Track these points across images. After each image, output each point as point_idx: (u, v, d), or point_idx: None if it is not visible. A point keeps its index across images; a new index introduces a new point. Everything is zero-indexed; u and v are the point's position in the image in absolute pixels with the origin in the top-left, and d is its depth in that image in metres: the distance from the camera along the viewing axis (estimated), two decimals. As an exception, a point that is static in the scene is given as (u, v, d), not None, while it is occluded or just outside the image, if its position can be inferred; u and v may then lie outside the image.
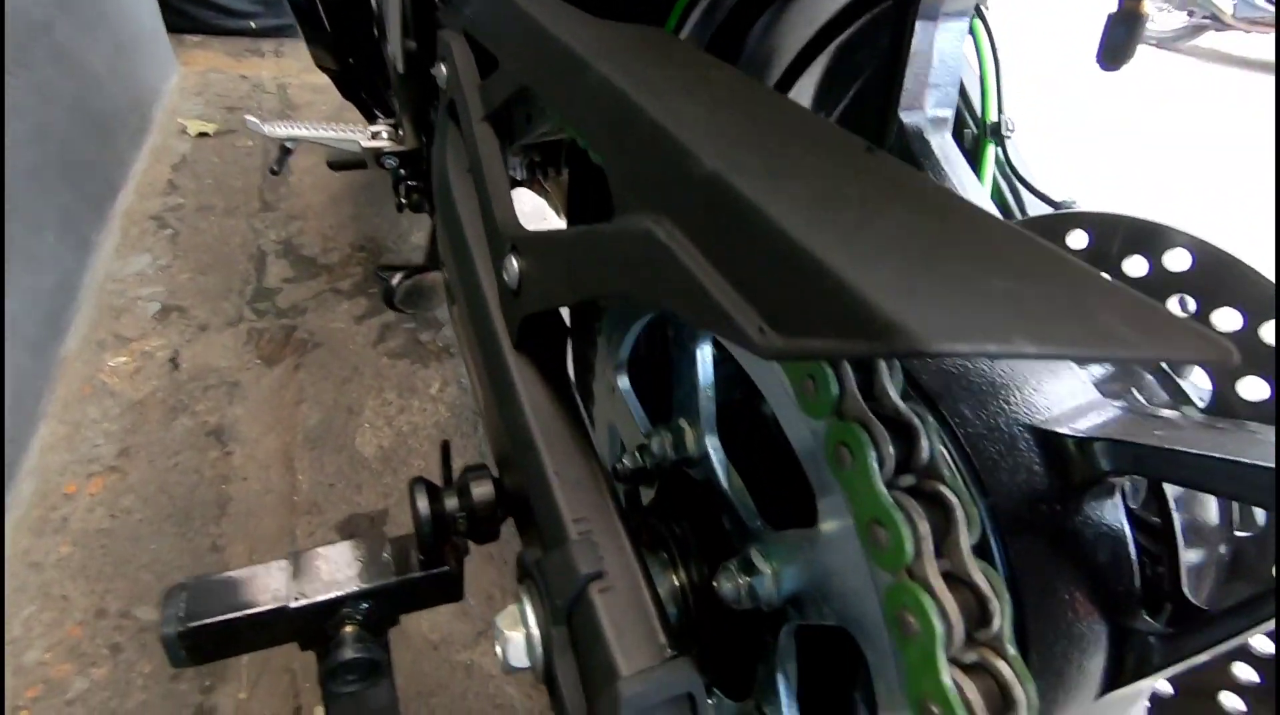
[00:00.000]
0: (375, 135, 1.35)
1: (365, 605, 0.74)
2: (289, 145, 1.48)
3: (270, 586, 0.73)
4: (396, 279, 1.49)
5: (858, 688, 0.54)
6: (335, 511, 1.72)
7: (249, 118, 1.48)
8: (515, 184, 1.41)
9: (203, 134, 3.32)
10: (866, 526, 0.36)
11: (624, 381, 0.78)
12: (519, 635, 0.56)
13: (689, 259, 0.38)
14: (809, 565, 0.46)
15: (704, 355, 0.57)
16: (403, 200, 1.43)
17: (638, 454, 0.73)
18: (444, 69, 0.97)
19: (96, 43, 2.63)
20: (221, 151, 3.21)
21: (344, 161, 1.57)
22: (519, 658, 0.56)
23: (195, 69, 3.86)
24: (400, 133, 1.34)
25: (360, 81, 1.73)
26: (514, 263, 0.68)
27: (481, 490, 0.76)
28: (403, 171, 1.38)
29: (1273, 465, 0.38)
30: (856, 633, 0.41)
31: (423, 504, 0.75)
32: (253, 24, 4.29)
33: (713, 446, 0.58)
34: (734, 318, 0.34)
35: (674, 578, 0.61)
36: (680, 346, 0.59)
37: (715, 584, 0.52)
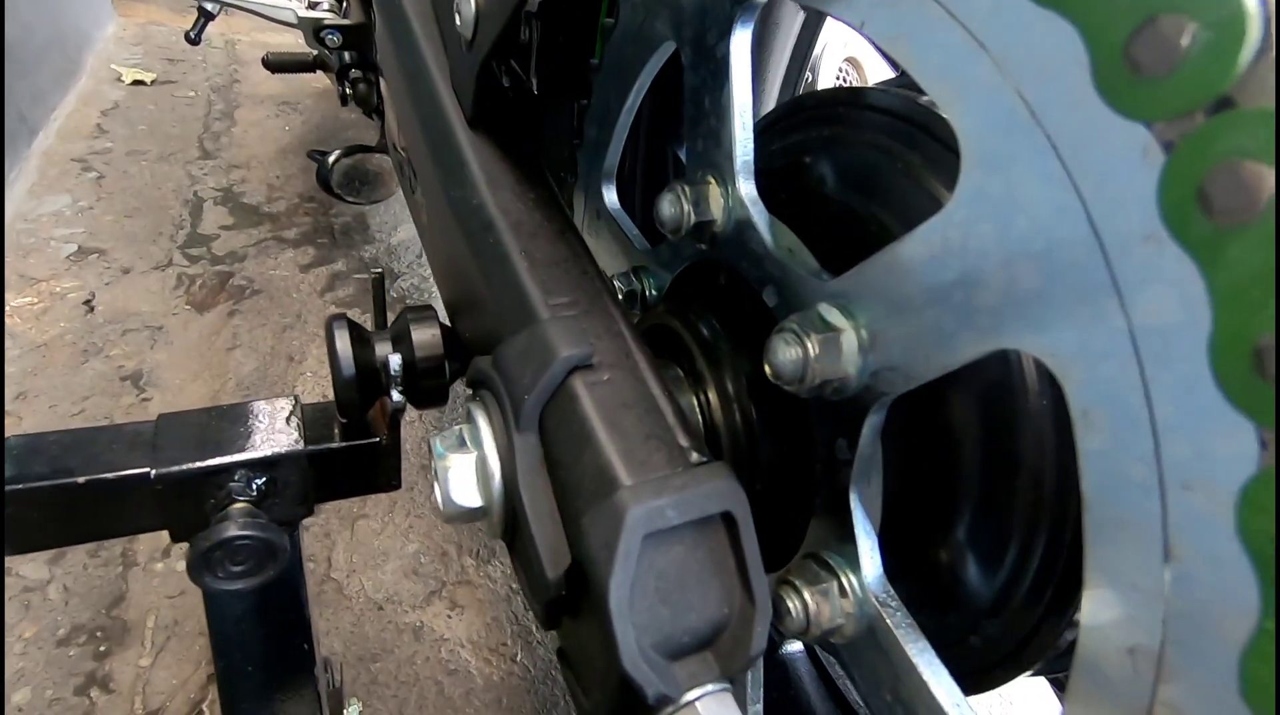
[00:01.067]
0: (314, 5, 1.16)
1: (260, 480, 0.55)
2: (210, 9, 1.28)
3: (127, 448, 0.53)
4: (334, 156, 1.28)
5: (970, 517, 0.37)
6: (268, 461, 1.50)
7: (158, -32, 1.27)
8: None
9: (138, 82, 3.08)
10: (1121, 50, 0.19)
11: (611, 196, 0.60)
12: (466, 458, 0.38)
13: None
14: (934, 278, 0.28)
15: (739, 56, 0.39)
16: (348, 91, 1.24)
17: (632, 276, 0.55)
18: None
19: (17, -28, 2.39)
20: (159, 100, 2.97)
21: (282, 61, 1.36)
22: (465, 491, 0.37)
23: (135, 20, 3.62)
24: (344, 6, 1.15)
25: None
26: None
27: (424, 332, 0.58)
28: (348, 55, 1.19)
29: None
30: (1067, 346, 0.24)
31: (344, 347, 0.56)
32: (201, -18, 4.04)
33: (750, 197, 0.41)
34: None
35: (694, 396, 0.43)
36: (701, 62, 0.41)
37: (766, 359, 0.34)
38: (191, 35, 1.38)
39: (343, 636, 1.23)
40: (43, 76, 2.63)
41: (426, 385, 0.58)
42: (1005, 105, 0.24)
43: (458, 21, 0.52)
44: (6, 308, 1.80)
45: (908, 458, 0.37)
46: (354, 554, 1.38)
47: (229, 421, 0.57)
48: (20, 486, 0.49)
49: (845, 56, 1.36)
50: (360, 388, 0.56)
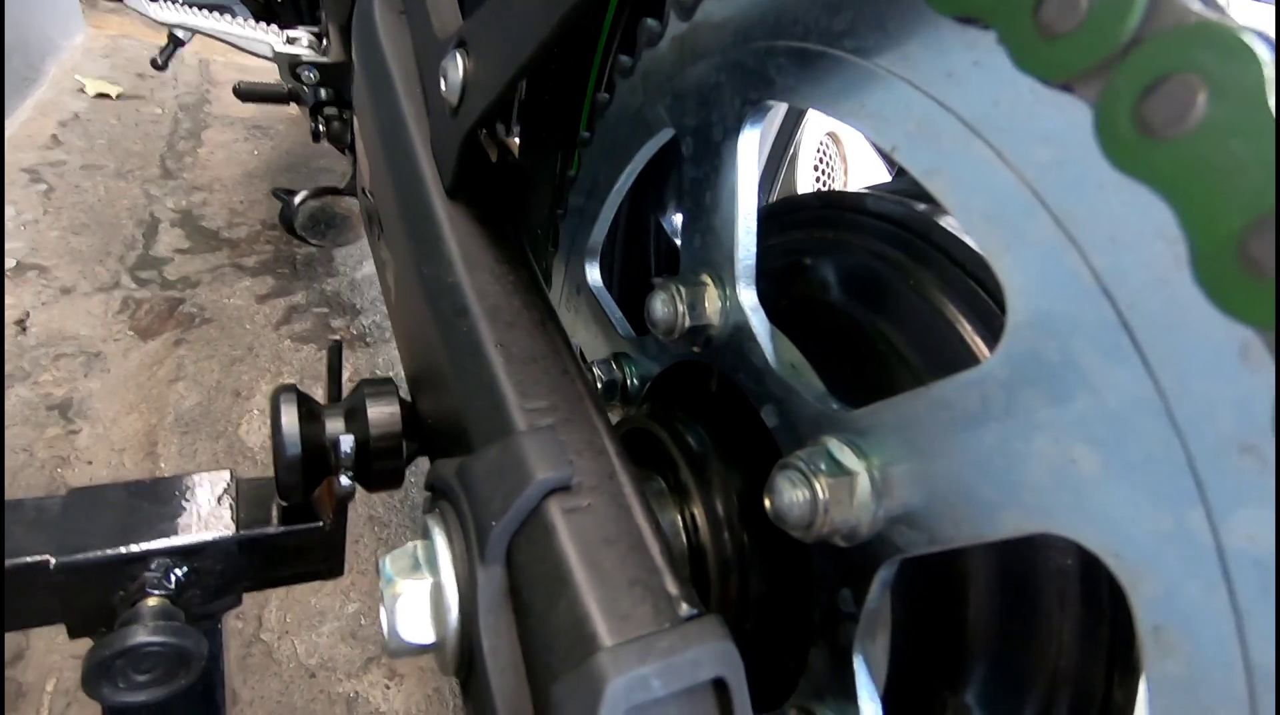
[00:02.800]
0: (292, 41, 1.12)
1: (181, 571, 0.48)
2: (181, 36, 1.23)
3: (27, 529, 0.46)
4: (300, 197, 1.23)
5: (981, 674, 0.33)
6: (201, 507, 1.40)
7: (129, -9, 1.23)
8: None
9: (103, 95, 2.99)
10: (1235, 245, 0.16)
11: (594, 274, 0.57)
12: (420, 585, 0.33)
13: None
14: (970, 437, 0.25)
15: (747, 156, 0.37)
16: (321, 128, 1.19)
17: (613, 363, 0.51)
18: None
19: (-18, -27, 2.31)
20: (122, 114, 2.88)
21: (255, 91, 1.32)
22: (417, 625, 0.32)
23: (106, 32, 3.55)
24: (324, 43, 1.12)
25: (285, 13, 1.50)
26: (456, 61, 0.47)
27: (381, 410, 0.53)
28: (323, 92, 1.15)
29: None
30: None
31: (290, 421, 0.50)
32: (179, -1, 4.00)
33: (750, 305, 0.37)
34: None
35: (678, 513, 0.39)
36: (702, 155, 0.39)
37: (768, 498, 0.31)
38: (159, 61, 1.33)
39: (268, 708, 1.13)
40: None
41: (380, 467, 0.53)
42: (1066, 268, 0.21)
43: (443, 86, 0.49)
44: (-72, 324, 1.68)
45: (913, 610, 0.33)
46: (288, 613, 1.28)
47: (150, 500, 0.51)
48: (-111, 575, 0.42)
49: (826, 130, 1.37)
50: (306, 469, 0.51)
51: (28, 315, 1.76)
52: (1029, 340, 0.23)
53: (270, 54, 1.11)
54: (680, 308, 0.39)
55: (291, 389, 0.53)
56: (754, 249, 0.38)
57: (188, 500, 0.51)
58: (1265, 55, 0.16)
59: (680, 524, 0.39)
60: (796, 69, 0.32)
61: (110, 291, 1.92)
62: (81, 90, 2.90)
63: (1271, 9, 0.53)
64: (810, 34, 0.31)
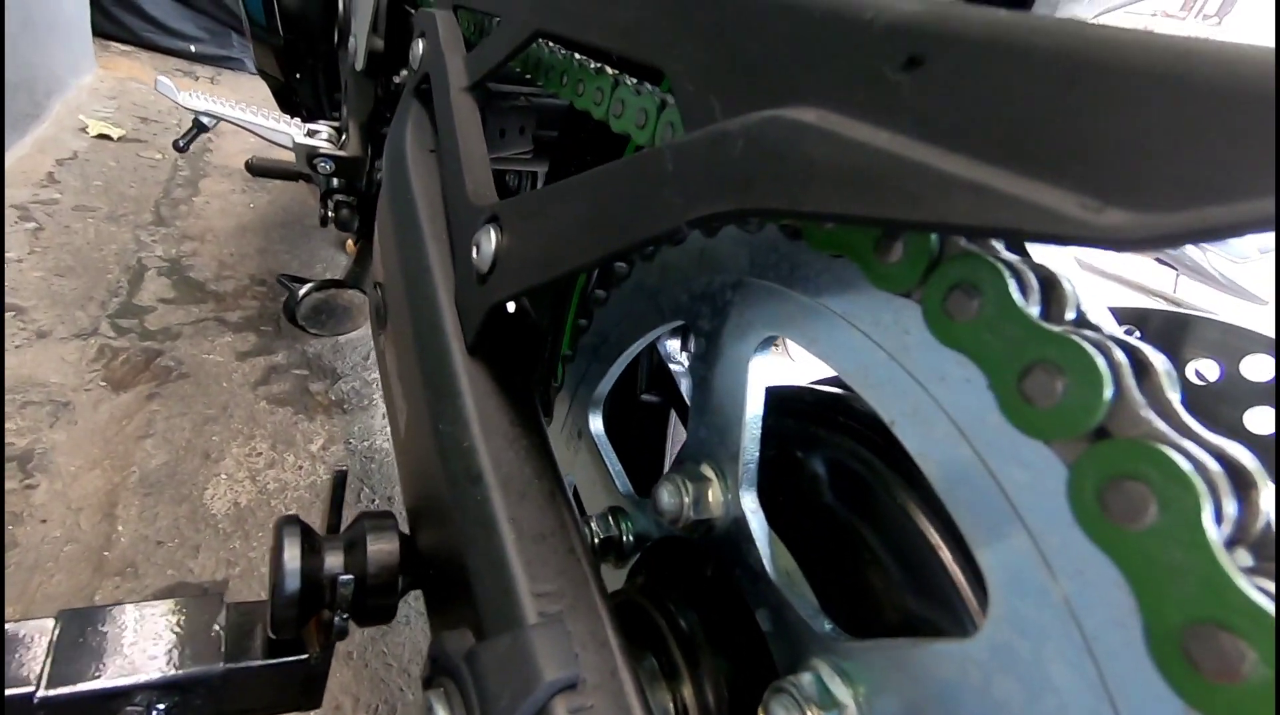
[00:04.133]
0: (313, 133, 1.18)
1: (165, 705, 0.49)
2: (206, 122, 1.27)
3: (15, 660, 0.46)
4: (304, 289, 1.25)
5: None
6: (157, 577, 1.37)
7: (161, 78, 1.27)
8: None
9: (104, 136, 3.01)
10: (1179, 640, 0.19)
11: (597, 423, 0.60)
12: (421, 777, 0.34)
13: (886, 140, 0.23)
14: (951, 704, 0.28)
15: (758, 370, 0.40)
16: (330, 214, 1.23)
17: (610, 519, 0.54)
18: (420, 45, 0.84)
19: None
20: (122, 157, 2.90)
21: (266, 167, 1.36)
22: (415, 817, 0.34)
23: (115, 74, 3.60)
24: (343, 137, 1.17)
25: (304, 94, 1.56)
26: (490, 236, 0.51)
27: (382, 546, 0.54)
28: (336, 181, 1.20)
29: None
30: None
31: (292, 556, 0.52)
32: (192, 48, 4.10)
33: (750, 508, 0.41)
34: (1018, 197, 0.19)
35: (670, 698, 0.41)
36: (713, 360, 0.43)
37: (760, 715, 0.33)
38: (180, 144, 1.37)
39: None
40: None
41: (374, 604, 0.54)
42: (1038, 581, 0.25)
43: (474, 254, 0.52)
44: (-106, 361, 1.65)
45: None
46: (233, 699, 1.24)
47: (140, 626, 0.51)
48: None
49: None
50: (302, 605, 0.52)
51: (-1, 358, 1.74)
52: (1006, 633, 0.26)
53: (290, 144, 1.16)
54: (686, 501, 0.42)
55: (295, 522, 0.54)
56: (757, 454, 0.41)
57: (179, 628, 0.52)
58: (1201, 487, 0.20)
59: (672, 708, 0.41)
60: (806, 318, 0.36)
61: (87, 338, 1.90)
62: (83, 129, 2.92)
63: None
64: (821, 295, 0.35)
